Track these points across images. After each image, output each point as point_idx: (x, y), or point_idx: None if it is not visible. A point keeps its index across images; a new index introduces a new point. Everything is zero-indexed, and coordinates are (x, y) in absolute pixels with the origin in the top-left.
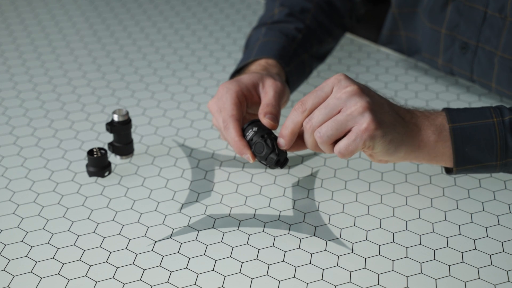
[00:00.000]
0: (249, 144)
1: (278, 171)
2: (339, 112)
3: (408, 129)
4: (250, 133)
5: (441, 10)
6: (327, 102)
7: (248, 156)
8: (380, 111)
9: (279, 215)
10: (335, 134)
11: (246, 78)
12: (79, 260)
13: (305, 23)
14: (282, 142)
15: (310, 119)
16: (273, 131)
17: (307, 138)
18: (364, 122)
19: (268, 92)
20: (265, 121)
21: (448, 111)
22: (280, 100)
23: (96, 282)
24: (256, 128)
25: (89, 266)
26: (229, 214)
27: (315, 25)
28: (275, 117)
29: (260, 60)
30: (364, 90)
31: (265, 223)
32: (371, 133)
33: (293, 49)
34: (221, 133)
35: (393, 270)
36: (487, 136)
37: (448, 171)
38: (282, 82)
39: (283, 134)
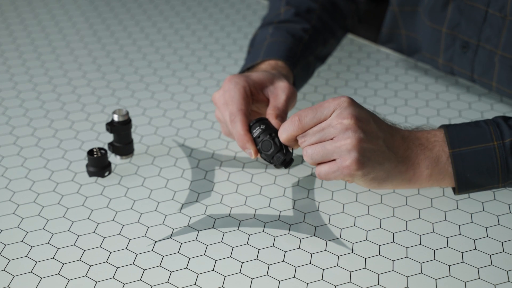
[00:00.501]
0: (255, 141)
1: (278, 171)
2: (331, 139)
3: (398, 165)
4: (257, 131)
5: (442, 9)
6: (323, 126)
7: (250, 151)
8: (370, 149)
9: (279, 215)
10: (319, 160)
11: (255, 75)
12: (79, 260)
13: (311, 24)
14: None
15: (304, 136)
16: None
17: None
18: (348, 159)
19: (279, 95)
20: (275, 121)
21: (447, 131)
22: (289, 105)
23: (96, 282)
24: (264, 126)
25: (89, 266)
26: (229, 214)
27: (320, 26)
28: (285, 118)
29: (269, 61)
30: (360, 124)
31: (265, 223)
32: (351, 171)
33: (300, 50)
34: (223, 127)
35: (393, 270)
36: (488, 161)
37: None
38: (293, 86)
39: None
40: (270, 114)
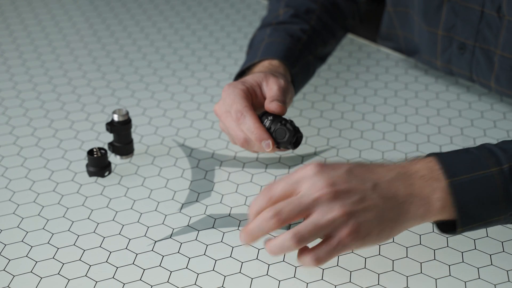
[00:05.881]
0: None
1: (278, 171)
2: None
3: (403, 206)
4: (267, 122)
5: (436, 11)
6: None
7: (268, 142)
8: (363, 210)
9: None
10: (310, 239)
11: (250, 78)
12: (79, 260)
13: (310, 24)
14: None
15: (278, 214)
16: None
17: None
18: (345, 229)
19: (272, 88)
20: (273, 104)
21: (439, 159)
22: (284, 95)
23: (96, 282)
24: (271, 116)
25: (89, 266)
26: (229, 214)
27: (320, 26)
28: (283, 102)
29: (264, 61)
30: (339, 188)
31: None
32: (353, 240)
33: (298, 50)
34: (230, 137)
35: (393, 270)
36: (489, 190)
37: (443, 229)
38: (285, 81)
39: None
40: (267, 104)
